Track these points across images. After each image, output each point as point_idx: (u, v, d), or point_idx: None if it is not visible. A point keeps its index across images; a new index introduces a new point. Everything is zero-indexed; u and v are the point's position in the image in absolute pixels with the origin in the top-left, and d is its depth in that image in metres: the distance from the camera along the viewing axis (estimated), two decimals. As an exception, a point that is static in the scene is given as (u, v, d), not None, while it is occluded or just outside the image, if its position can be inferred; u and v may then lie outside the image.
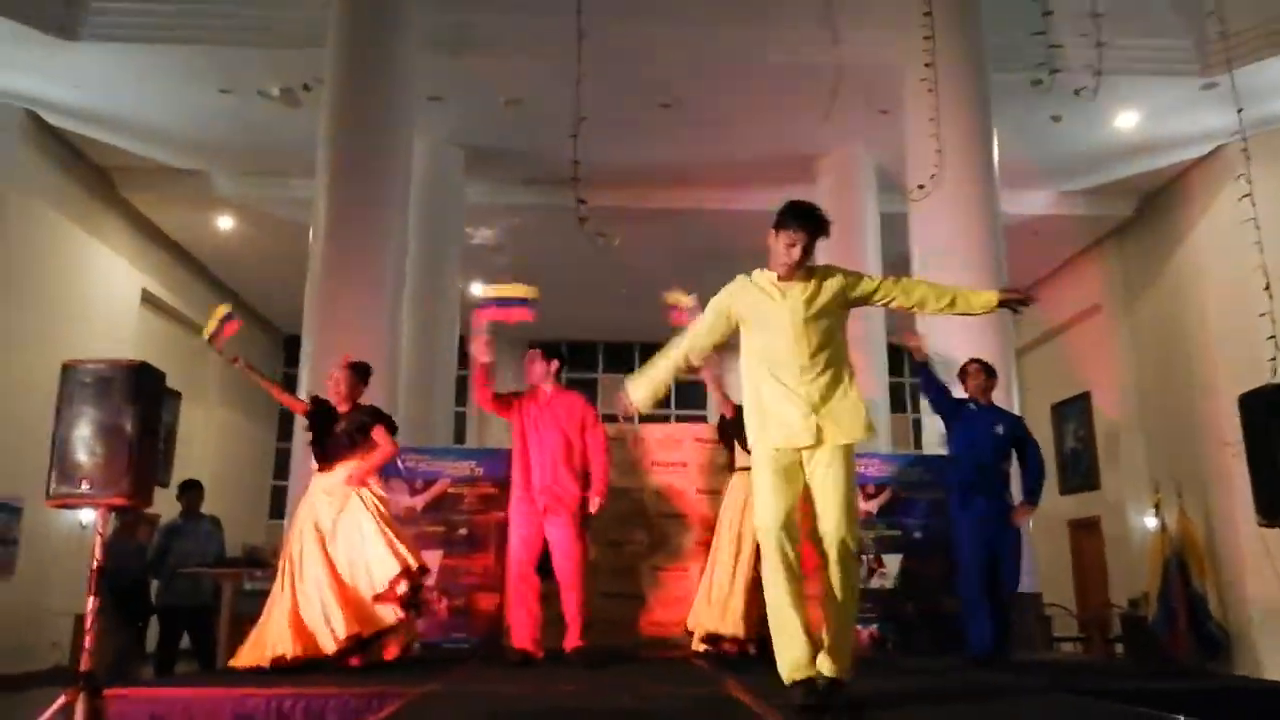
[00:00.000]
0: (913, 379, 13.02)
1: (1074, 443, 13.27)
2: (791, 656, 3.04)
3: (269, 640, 4.25)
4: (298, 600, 4.33)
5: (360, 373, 4.91)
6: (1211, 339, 10.07)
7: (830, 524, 3.12)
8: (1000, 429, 5.25)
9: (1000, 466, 5.18)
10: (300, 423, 5.09)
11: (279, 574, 4.52)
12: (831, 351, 3.25)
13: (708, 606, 5.17)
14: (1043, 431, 13.68)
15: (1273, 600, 8.97)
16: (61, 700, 3.60)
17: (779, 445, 3.17)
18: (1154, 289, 11.33)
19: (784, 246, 3.26)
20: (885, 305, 3.41)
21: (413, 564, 4.46)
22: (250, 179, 10.86)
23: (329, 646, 4.22)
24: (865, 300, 3.36)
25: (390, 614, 4.38)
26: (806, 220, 3.27)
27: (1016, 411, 7.60)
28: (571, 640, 4.84)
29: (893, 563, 6.51)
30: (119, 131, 9.81)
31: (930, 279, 7.71)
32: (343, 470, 4.61)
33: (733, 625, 5.01)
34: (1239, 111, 6.96)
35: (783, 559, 3.08)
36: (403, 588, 4.41)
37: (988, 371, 5.41)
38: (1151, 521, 10.54)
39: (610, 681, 3.97)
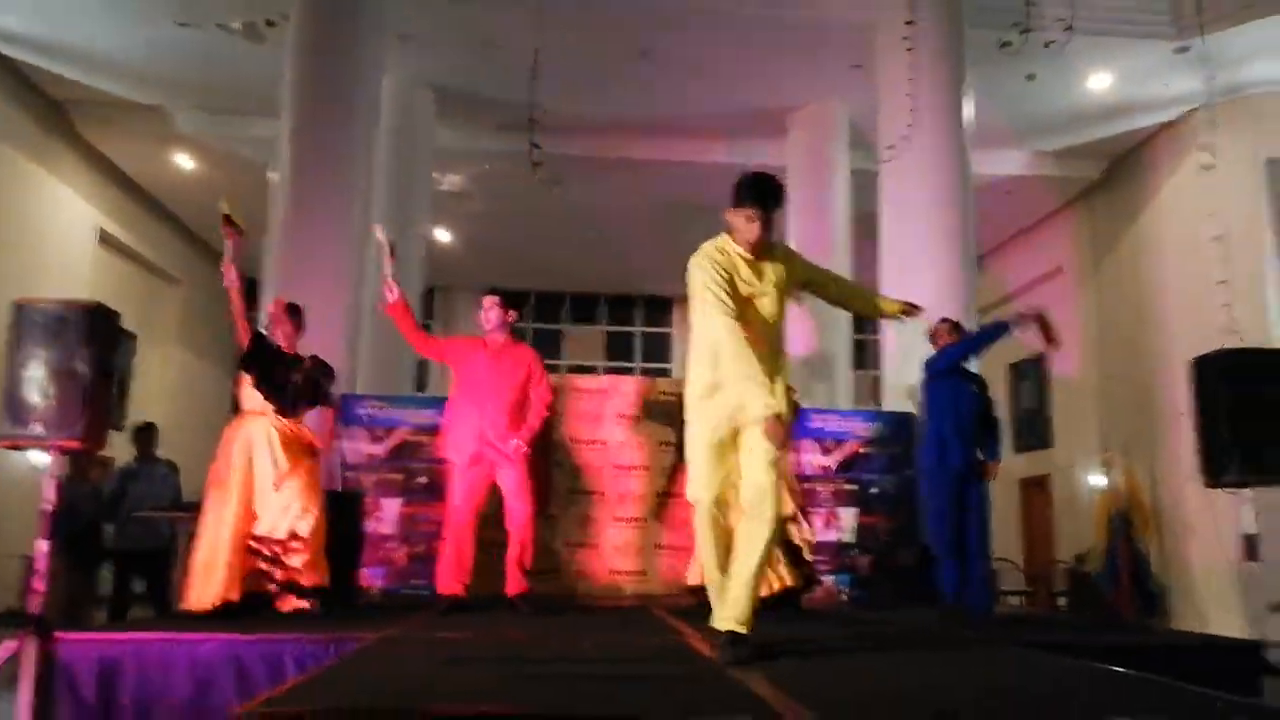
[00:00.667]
0: (875, 335, 13.12)
1: (1029, 402, 13.50)
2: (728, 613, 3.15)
3: (216, 579, 4.20)
4: (244, 533, 4.29)
5: (300, 316, 4.82)
6: (1169, 305, 10.24)
7: (757, 478, 3.16)
8: (974, 388, 5.45)
9: (974, 426, 5.32)
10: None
11: (215, 503, 4.38)
12: (781, 327, 3.37)
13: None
14: (999, 390, 13.88)
15: (1213, 559, 9.24)
16: (12, 645, 3.57)
17: (720, 414, 3.22)
18: (1116, 253, 11.47)
19: (744, 222, 3.26)
20: (815, 293, 3.60)
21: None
22: (211, 116, 10.56)
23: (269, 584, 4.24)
24: (804, 284, 3.51)
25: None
26: (763, 196, 3.25)
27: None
28: (516, 586, 4.84)
29: (849, 516, 6.62)
30: (73, 62, 9.47)
31: (898, 237, 7.81)
32: (299, 428, 4.55)
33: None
34: (1211, 79, 6.98)
35: (714, 531, 3.24)
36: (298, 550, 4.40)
37: (960, 331, 5.57)
38: (1099, 481, 10.79)
39: (568, 628, 4.01)
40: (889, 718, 2.13)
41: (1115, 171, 11.43)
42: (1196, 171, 9.09)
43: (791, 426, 3.38)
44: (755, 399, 3.10)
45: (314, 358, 4.78)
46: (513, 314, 5.02)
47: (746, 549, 3.12)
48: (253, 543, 4.32)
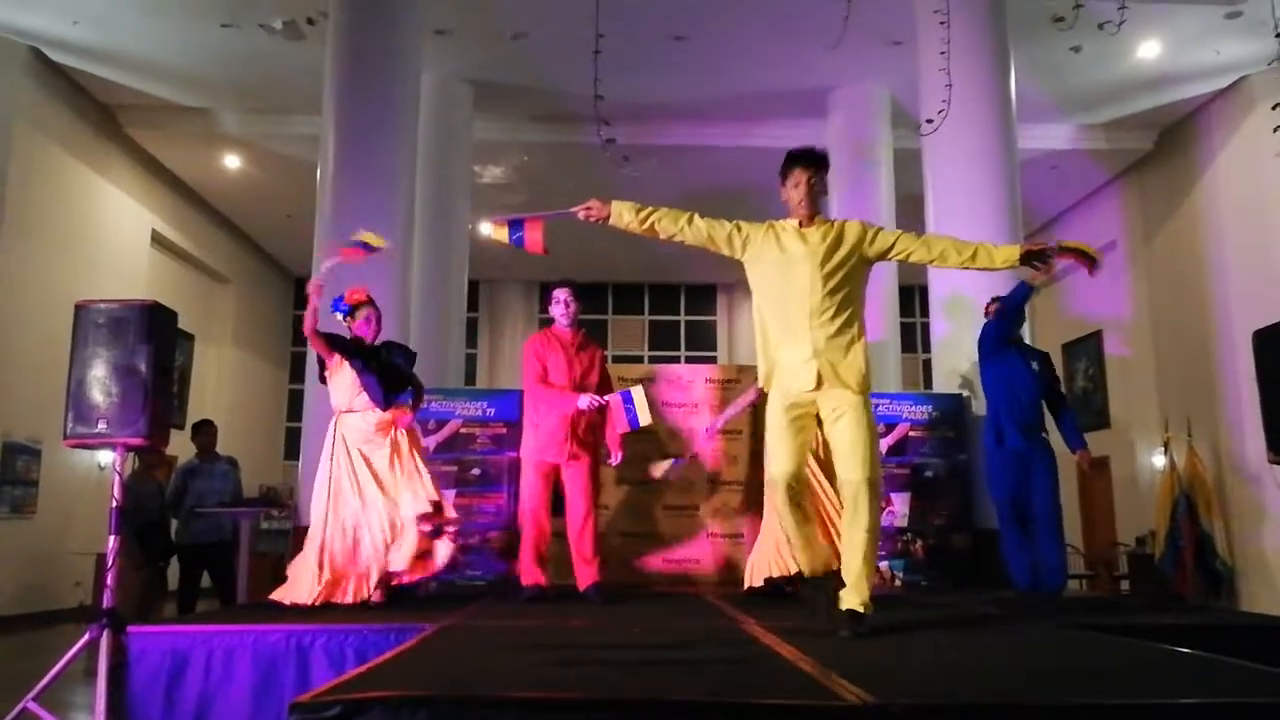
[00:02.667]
0: (923, 319, 12.94)
1: (1084, 382, 13.25)
2: (809, 557, 3.41)
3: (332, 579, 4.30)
4: (359, 537, 4.38)
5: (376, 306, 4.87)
6: (1227, 277, 9.97)
7: (848, 471, 3.22)
8: (1036, 365, 5.28)
9: (1039, 403, 5.20)
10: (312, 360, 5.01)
11: (325, 511, 4.45)
12: (843, 303, 3.29)
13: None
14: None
15: (1279, 536, 9.02)
16: (86, 638, 3.68)
17: (785, 392, 3.28)
18: (1171, 225, 11.19)
19: (792, 189, 3.37)
20: (905, 259, 3.45)
21: (440, 501, 4.55)
22: (255, 116, 10.73)
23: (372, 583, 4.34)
24: (885, 253, 3.41)
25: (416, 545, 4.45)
26: (804, 159, 3.37)
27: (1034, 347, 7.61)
28: (588, 577, 4.87)
29: (902, 501, 6.56)
30: (122, 68, 9.69)
31: (944, 215, 7.69)
32: (385, 413, 4.56)
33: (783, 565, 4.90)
34: (1278, 35, 6.74)
35: (793, 508, 3.29)
36: (426, 526, 4.46)
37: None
38: (1160, 460, 10.56)
39: (622, 615, 4.03)
40: (946, 698, 2.11)
41: (1166, 142, 11.13)
42: (1254, 137, 8.82)
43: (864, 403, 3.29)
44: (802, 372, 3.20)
45: (391, 343, 4.83)
46: (575, 305, 5.04)
47: (861, 527, 3.21)
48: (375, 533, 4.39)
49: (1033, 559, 5.10)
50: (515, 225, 4.02)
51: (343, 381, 4.53)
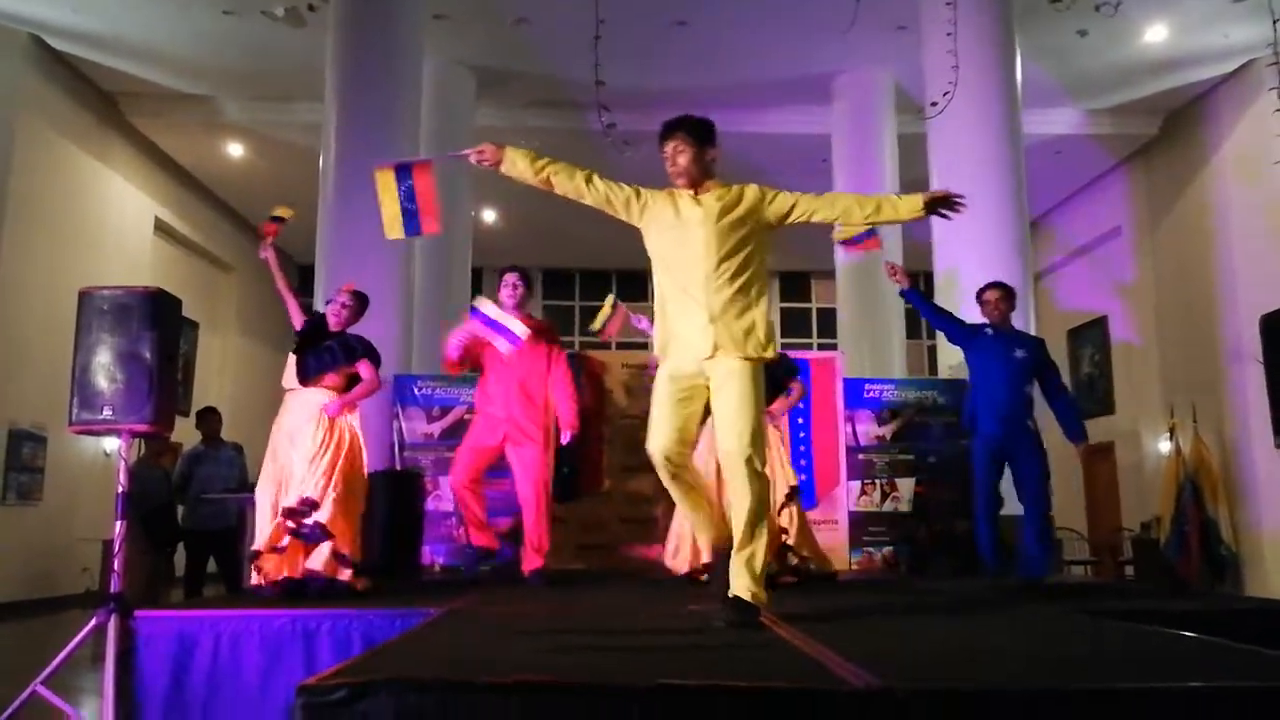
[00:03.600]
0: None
1: (1090, 368, 13.23)
2: (707, 536, 3.33)
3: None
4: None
5: (362, 302, 4.81)
6: (1234, 263, 9.93)
7: (727, 441, 3.10)
8: (1020, 353, 5.07)
9: (1022, 391, 5.02)
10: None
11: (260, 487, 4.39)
12: (740, 267, 3.18)
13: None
14: (1058, 357, 13.61)
15: (1285, 523, 9.03)
16: (93, 623, 3.70)
17: (678, 363, 3.18)
18: (1177, 210, 11.14)
19: (670, 157, 3.27)
20: (809, 219, 3.30)
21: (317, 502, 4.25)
22: (258, 104, 10.72)
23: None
24: (786, 215, 3.27)
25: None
26: (680, 126, 3.28)
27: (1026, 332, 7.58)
28: (530, 563, 4.88)
29: (906, 487, 6.56)
30: (123, 55, 9.67)
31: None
32: (321, 394, 4.45)
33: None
34: (1275, 22, 6.70)
35: (675, 479, 3.21)
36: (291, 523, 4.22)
37: (1006, 294, 5.19)
38: (1166, 446, 10.55)
39: (625, 600, 4.04)
40: (947, 680, 2.11)
41: (1173, 127, 11.08)
42: (1261, 121, 8.75)
43: (760, 381, 3.18)
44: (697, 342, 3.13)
45: (350, 334, 4.68)
46: (522, 290, 5.04)
47: (743, 505, 3.07)
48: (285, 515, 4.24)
49: (999, 543, 4.98)
50: (403, 171, 3.97)
51: (291, 360, 4.54)
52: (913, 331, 13.21)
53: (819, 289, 16.57)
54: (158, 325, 3.87)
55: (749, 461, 3.04)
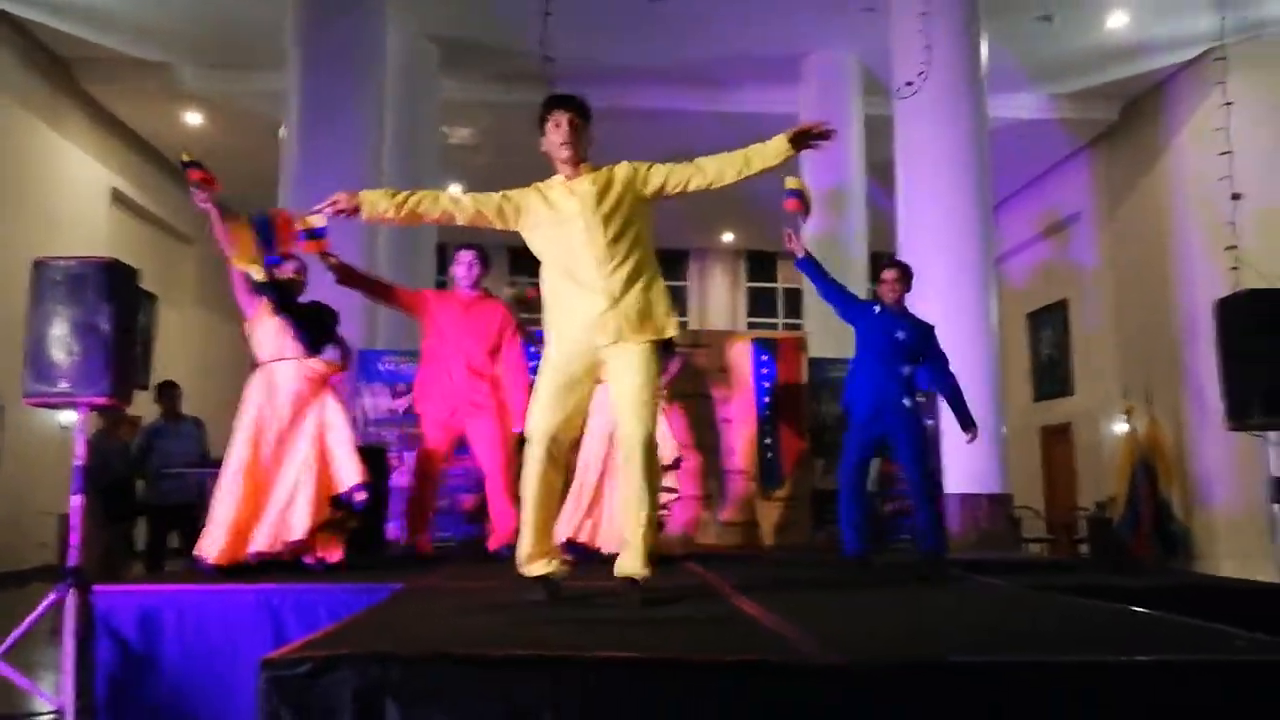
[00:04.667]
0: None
1: (1049, 350, 13.45)
2: (529, 551, 3.10)
3: (241, 531, 3.98)
4: (260, 488, 4.06)
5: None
6: (1191, 248, 10.13)
7: (629, 424, 3.08)
8: (901, 335, 4.91)
9: (896, 373, 4.85)
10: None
11: (233, 460, 4.10)
12: (630, 246, 3.12)
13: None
14: (1019, 339, 13.84)
15: (1235, 502, 9.27)
16: (52, 597, 3.65)
17: (570, 350, 3.10)
18: (1136, 195, 11.33)
19: (552, 130, 3.17)
20: (686, 189, 3.21)
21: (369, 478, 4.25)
22: (217, 72, 10.50)
23: (289, 536, 4.00)
24: (660, 189, 3.19)
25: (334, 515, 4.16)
26: (566, 101, 3.20)
27: (993, 318, 7.68)
28: (497, 540, 4.76)
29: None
30: (77, 19, 9.42)
31: (914, 182, 7.71)
32: (313, 365, 4.29)
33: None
34: (1223, 19, 6.84)
35: (546, 468, 3.08)
36: (361, 495, 4.17)
37: (903, 275, 5.02)
38: (1122, 428, 10.78)
39: (595, 576, 4.06)
40: (906, 656, 2.16)
41: (1133, 113, 11.25)
42: (1215, 111, 8.93)
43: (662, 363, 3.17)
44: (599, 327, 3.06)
45: (321, 304, 4.53)
46: (480, 270, 4.92)
47: (643, 487, 3.07)
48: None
49: (859, 523, 4.83)
50: (262, 227, 3.96)
51: (268, 330, 4.28)
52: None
53: (785, 269, 16.65)
54: (114, 296, 3.80)
55: (650, 445, 3.05)
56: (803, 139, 3.12)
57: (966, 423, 4.98)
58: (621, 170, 3.20)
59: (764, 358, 6.58)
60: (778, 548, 6.26)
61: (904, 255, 7.59)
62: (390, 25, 8.22)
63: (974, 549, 6.84)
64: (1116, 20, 9.34)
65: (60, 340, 3.77)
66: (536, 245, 3.24)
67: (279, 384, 4.18)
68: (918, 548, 5.01)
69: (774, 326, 16.22)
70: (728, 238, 16.41)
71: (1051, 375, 13.31)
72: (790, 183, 4.60)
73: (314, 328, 4.35)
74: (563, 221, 3.14)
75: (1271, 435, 4.80)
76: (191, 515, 6.49)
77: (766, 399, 6.52)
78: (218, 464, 6.77)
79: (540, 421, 3.09)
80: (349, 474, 4.13)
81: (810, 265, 5.01)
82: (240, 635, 3.36)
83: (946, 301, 6.90)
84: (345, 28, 7.38)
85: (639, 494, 3.07)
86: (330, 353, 4.43)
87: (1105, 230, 12.01)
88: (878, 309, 5.03)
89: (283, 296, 4.30)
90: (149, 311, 12.57)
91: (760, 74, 10.35)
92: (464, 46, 9.92)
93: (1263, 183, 8.99)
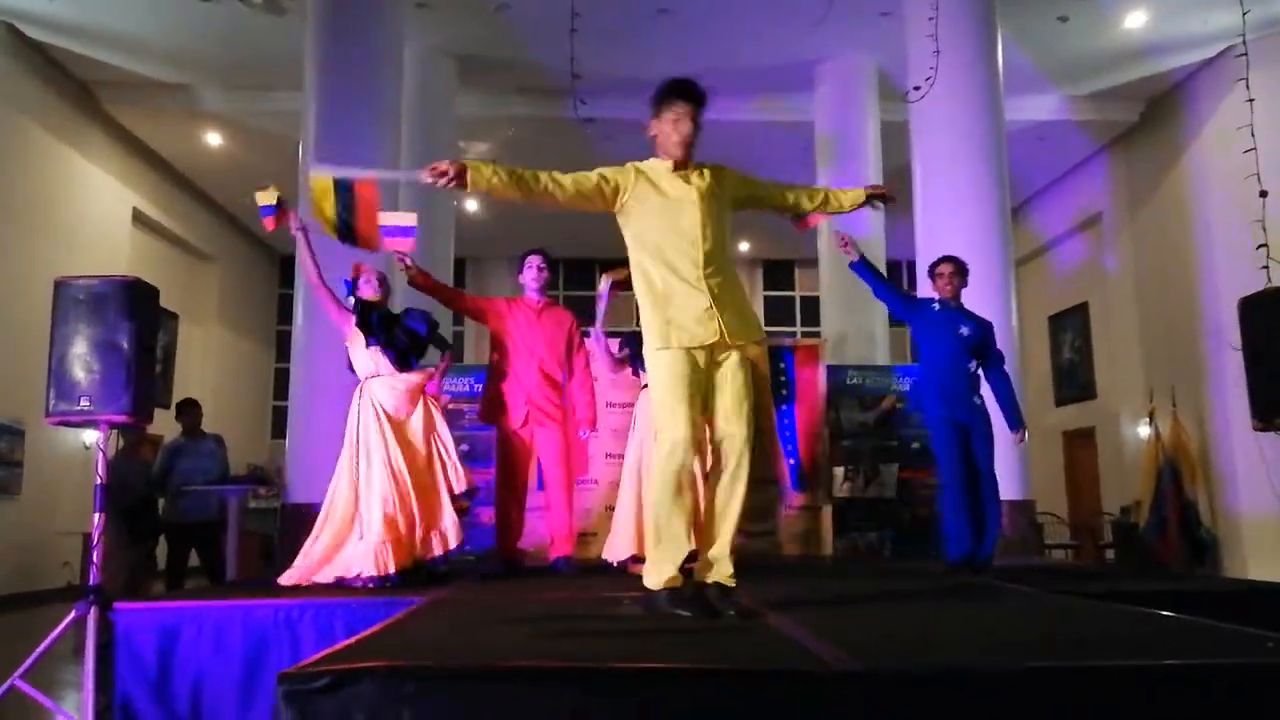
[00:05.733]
0: (912, 292, 12.94)
1: (1070, 353, 13.31)
2: (669, 569, 2.98)
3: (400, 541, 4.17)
4: (395, 501, 4.21)
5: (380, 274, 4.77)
6: (1214, 248, 10.00)
7: (733, 425, 3.02)
8: (965, 330, 4.93)
9: (964, 370, 4.89)
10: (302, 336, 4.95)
11: (347, 481, 4.28)
12: (724, 246, 3.13)
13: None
14: (1040, 342, 13.72)
15: (1262, 504, 9.10)
16: (72, 615, 3.67)
17: (685, 346, 3.00)
18: (1157, 195, 11.21)
19: (670, 125, 3.11)
20: (762, 207, 3.38)
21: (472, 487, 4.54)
22: (237, 93, 10.61)
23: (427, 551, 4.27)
24: (752, 199, 3.31)
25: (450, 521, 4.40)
26: (691, 92, 3.14)
27: (1014, 321, 7.61)
28: (559, 549, 4.84)
29: (889, 472, 6.59)
30: (100, 44, 9.54)
31: (931, 187, 7.66)
32: (415, 375, 4.49)
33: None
34: (1245, 14, 6.76)
35: (681, 473, 2.96)
36: (465, 501, 4.47)
37: (959, 269, 5.03)
38: (1146, 430, 10.64)
39: (607, 588, 4.04)
40: (932, 663, 2.12)
41: (1154, 113, 11.13)
42: (1238, 108, 8.81)
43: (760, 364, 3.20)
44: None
45: (410, 310, 4.72)
46: (546, 274, 4.98)
47: (740, 495, 3.02)
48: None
49: (972, 529, 4.80)
50: (343, 185, 3.97)
51: (360, 348, 4.44)
52: (896, 319, 13.25)
53: (802, 277, 16.61)
54: (135, 315, 3.84)
55: (753, 450, 3.01)
56: (874, 198, 3.44)
57: (1016, 422, 5.00)
58: (726, 172, 3.24)
59: (782, 365, 6.55)
60: (800, 556, 6.22)
61: (923, 260, 7.55)
62: (407, 41, 8.28)
63: (997, 556, 6.75)
64: (1134, 20, 9.26)
65: (81, 359, 3.80)
66: (636, 230, 3.16)
67: (379, 400, 4.35)
68: (968, 548, 4.84)
69: (792, 334, 16.17)
70: (744, 246, 16.40)
71: (1073, 378, 13.18)
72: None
73: (404, 342, 4.45)
74: (671, 208, 3.09)
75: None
76: (212, 533, 6.53)
77: (784, 407, 6.49)
78: (238, 481, 6.85)
79: (677, 430, 2.96)
80: (456, 480, 4.42)
81: (865, 268, 5.03)
82: (259, 650, 3.36)
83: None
84: (363, 45, 7.42)
85: (737, 497, 3.01)
86: (420, 363, 4.62)
87: (1126, 231, 11.89)
88: (937, 306, 5.04)
89: (364, 318, 4.40)
90: (170, 330, 12.69)
91: (775, 81, 10.33)
92: (480, 61, 9.97)
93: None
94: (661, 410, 3.04)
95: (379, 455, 4.22)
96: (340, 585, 4.00)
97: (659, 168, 3.16)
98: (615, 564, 4.92)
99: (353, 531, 4.18)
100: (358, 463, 4.25)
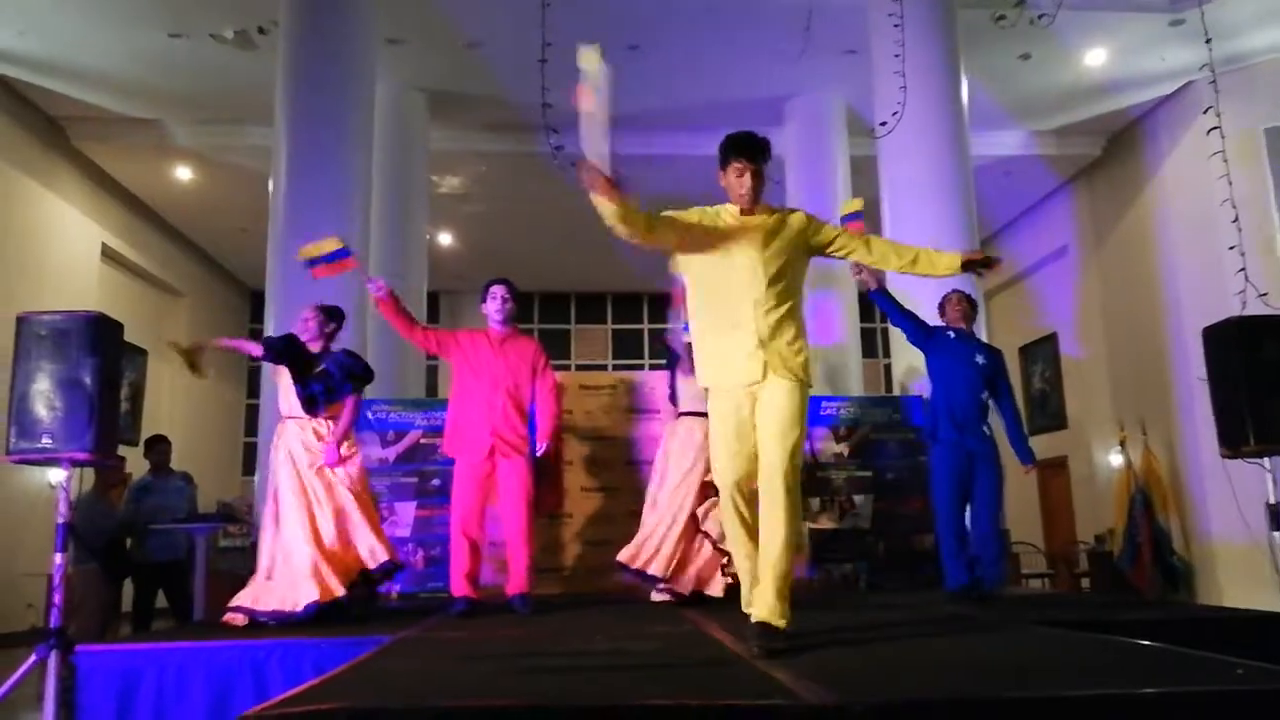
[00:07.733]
0: (884, 324, 13.05)
1: (1041, 384, 13.45)
2: (751, 580, 3.15)
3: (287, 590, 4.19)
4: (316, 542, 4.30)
5: (328, 313, 4.80)
6: (1177, 278, 10.18)
7: (774, 453, 3.03)
8: (980, 359, 5.09)
9: (977, 398, 5.02)
10: (267, 372, 4.98)
11: (272, 518, 4.41)
12: (785, 292, 3.15)
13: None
14: (1011, 373, 13.85)
15: (1233, 530, 9.19)
16: (33, 659, 3.57)
17: (730, 390, 3.12)
18: (1121, 228, 11.42)
19: (734, 178, 3.23)
20: (845, 256, 3.35)
21: (397, 559, 4.60)
22: (207, 128, 10.58)
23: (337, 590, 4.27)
24: (825, 246, 3.30)
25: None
26: (747, 147, 3.23)
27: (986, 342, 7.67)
28: (515, 586, 4.72)
29: (865, 503, 6.59)
30: (69, 79, 9.50)
31: (899, 221, 7.76)
32: (322, 426, 4.52)
33: (660, 568, 5.00)
34: (1208, 42, 6.94)
35: (738, 516, 3.13)
36: (382, 578, 4.53)
37: (969, 302, 5.26)
38: (1117, 459, 10.73)
39: (583, 623, 4.00)
40: (907, 696, 2.11)
41: (1115, 148, 11.38)
42: (1200, 141, 9.02)
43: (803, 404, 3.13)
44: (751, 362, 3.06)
45: (332, 352, 4.74)
46: (511, 304, 4.94)
47: (778, 525, 3.00)
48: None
49: (969, 558, 4.87)
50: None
51: (283, 384, 4.52)
52: (869, 350, 13.34)
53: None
54: (98, 351, 3.78)
55: (792, 482, 3.02)
56: (973, 264, 3.31)
57: (1028, 454, 5.07)
58: (797, 218, 3.27)
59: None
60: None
61: (892, 293, 7.62)
62: (379, 77, 8.30)
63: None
64: (1095, 57, 9.48)
65: (43, 395, 3.74)
66: (695, 269, 3.25)
67: (289, 443, 4.46)
68: (967, 577, 4.90)
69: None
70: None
71: (1044, 408, 13.31)
72: (853, 205, 4.77)
73: (315, 388, 4.45)
74: (730, 252, 3.17)
75: (1266, 462, 4.76)
76: (180, 573, 6.40)
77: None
78: (206, 519, 6.72)
79: (727, 472, 3.13)
80: (370, 554, 4.53)
81: (883, 297, 5.18)
82: (225, 692, 3.29)
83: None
84: (334, 81, 7.43)
85: (779, 533, 2.99)
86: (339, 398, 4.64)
87: (1092, 263, 12.08)
88: (952, 334, 5.17)
89: (271, 344, 4.41)
90: (139, 367, 12.53)
91: (745, 117, 10.30)
92: (452, 97, 10.02)
93: (1247, 209, 9.05)
94: (712, 451, 3.24)
95: (290, 499, 4.34)
96: (286, 620, 4.04)
97: (727, 211, 3.27)
98: (632, 567, 5.05)
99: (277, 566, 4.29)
100: (276, 501, 4.37)
